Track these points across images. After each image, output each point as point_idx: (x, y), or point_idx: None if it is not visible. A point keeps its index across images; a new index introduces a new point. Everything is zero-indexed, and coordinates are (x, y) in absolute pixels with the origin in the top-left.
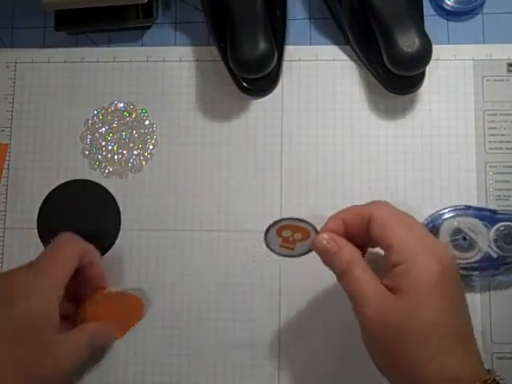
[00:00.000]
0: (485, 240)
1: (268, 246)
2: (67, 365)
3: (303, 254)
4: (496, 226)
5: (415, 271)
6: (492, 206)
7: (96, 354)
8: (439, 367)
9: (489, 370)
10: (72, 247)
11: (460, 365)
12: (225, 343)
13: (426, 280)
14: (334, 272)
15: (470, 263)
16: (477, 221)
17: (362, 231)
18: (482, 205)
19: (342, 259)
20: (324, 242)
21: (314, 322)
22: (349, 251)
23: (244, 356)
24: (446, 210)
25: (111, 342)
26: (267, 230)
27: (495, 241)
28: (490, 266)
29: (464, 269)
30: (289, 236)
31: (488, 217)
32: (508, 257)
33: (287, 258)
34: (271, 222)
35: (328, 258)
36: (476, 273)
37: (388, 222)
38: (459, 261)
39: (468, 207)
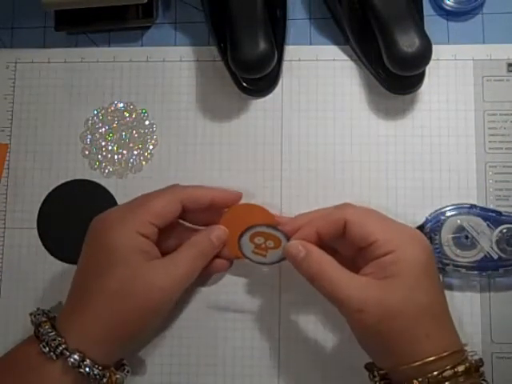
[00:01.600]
0: (487, 240)
1: (240, 250)
2: (160, 287)
3: (275, 263)
4: (500, 228)
5: (406, 258)
6: (492, 206)
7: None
8: (437, 342)
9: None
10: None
11: (452, 338)
12: (224, 343)
13: (417, 266)
14: (307, 277)
15: (470, 262)
16: (481, 220)
17: (335, 237)
18: (484, 205)
19: (311, 263)
20: (292, 248)
21: (314, 321)
22: (318, 254)
23: (244, 356)
24: (450, 208)
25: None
26: (241, 235)
27: (497, 242)
28: (489, 266)
29: (463, 267)
30: (261, 243)
31: (493, 218)
32: (508, 259)
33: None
34: (245, 228)
35: (298, 264)
36: (475, 272)
37: (365, 221)
38: (459, 259)
39: (473, 206)
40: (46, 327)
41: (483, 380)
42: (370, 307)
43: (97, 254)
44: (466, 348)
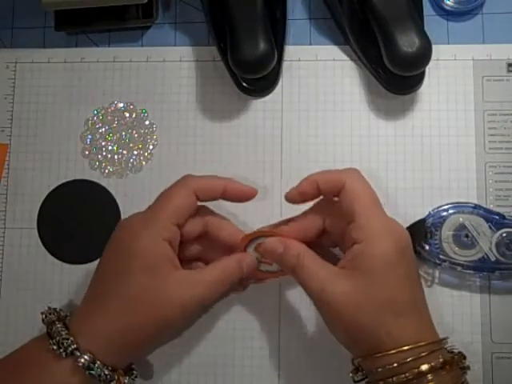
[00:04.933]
0: (487, 242)
1: None
2: (181, 303)
3: (282, 270)
4: (501, 231)
5: (370, 252)
6: (492, 206)
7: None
8: (396, 340)
9: (443, 339)
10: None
11: (416, 334)
12: (224, 343)
13: (380, 260)
14: (287, 270)
15: (467, 261)
16: (483, 221)
17: (331, 196)
18: (484, 205)
19: (289, 256)
20: (270, 244)
21: (314, 321)
22: (296, 247)
23: (244, 356)
24: (454, 205)
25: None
26: (245, 248)
27: (497, 245)
28: (485, 268)
29: (459, 265)
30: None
31: (495, 220)
32: (505, 263)
33: None
34: (247, 240)
35: (277, 258)
36: (470, 272)
37: (357, 198)
38: (456, 256)
39: (478, 207)
40: (59, 326)
41: (464, 373)
42: (336, 299)
43: (119, 259)
44: (445, 343)
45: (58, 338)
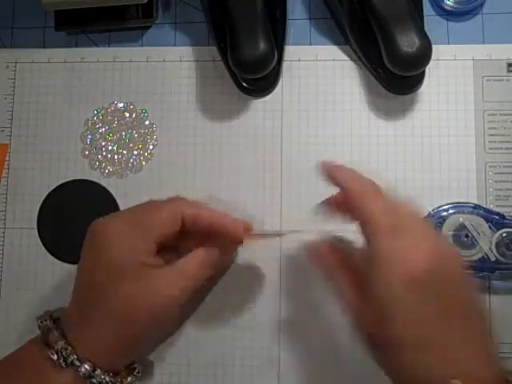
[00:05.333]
0: (487, 242)
1: None
2: (165, 297)
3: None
4: (501, 231)
5: (374, 282)
6: (492, 206)
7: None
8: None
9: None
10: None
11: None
12: (224, 343)
13: (383, 293)
14: None
15: (467, 261)
16: (483, 221)
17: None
18: (484, 205)
19: None
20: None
21: (314, 321)
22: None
23: (244, 356)
24: (454, 205)
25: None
26: None
27: (497, 245)
28: (485, 268)
29: None
30: None
31: (495, 220)
32: (505, 263)
33: (287, 254)
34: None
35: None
36: (470, 272)
37: (376, 227)
38: None
39: (478, 207)
40: (56, 335)
41: None
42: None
43: (98, 269)
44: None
45: (56, 348)
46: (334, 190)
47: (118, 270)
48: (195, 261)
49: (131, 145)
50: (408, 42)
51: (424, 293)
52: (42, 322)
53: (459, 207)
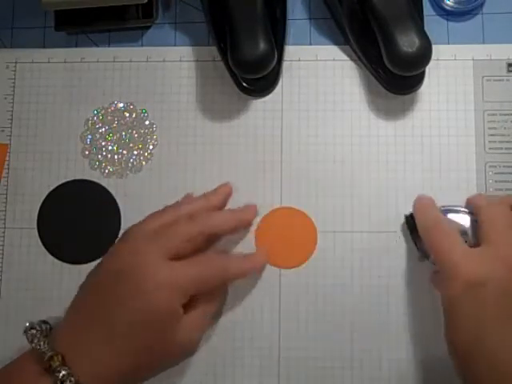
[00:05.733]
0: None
1: None
2: (188, 344)
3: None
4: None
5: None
6: None
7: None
8: None
9: None
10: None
11: None
12: (225, 343)
13: (447, 301)
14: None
15: None
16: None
17: None
18: None
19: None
20: None
21: (314, 321)
22: None
23: (244, 355)
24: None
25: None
26: None
27: None
28: None
29: None
30: None
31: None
32: None
33: None
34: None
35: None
36: None
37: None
38: None
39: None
40: (57, 363)
41: None
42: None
43: (126, 296)
44: None
45: (53, 372)
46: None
47: (152, 315)
48: (205, 312)
49: (131, 145)
50: (408, 42)
51: (473, 298)
52: (32, 339)
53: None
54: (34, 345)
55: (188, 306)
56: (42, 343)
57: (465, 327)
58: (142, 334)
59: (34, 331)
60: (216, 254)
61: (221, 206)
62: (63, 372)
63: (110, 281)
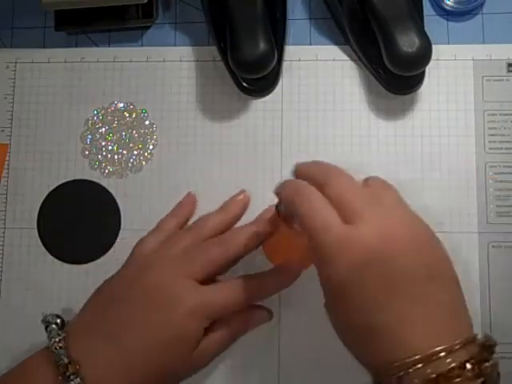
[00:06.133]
0: None
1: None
2: (201, 365)
3: None
4: None
5: (322, 276)
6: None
7: None
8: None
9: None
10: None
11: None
12: None
13: (331, 285)
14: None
15: None
16: None
17: None
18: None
19: None
20: None
21: (314, 321)
22: None
23: (244, 355)
24: None
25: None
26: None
27: None
28: None
29: None
30: None
31: None
32: None
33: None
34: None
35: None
36: None
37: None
38: None
39: None
40: (71, 371)
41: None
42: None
43: (151, 317)
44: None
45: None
46: None
47: (176, 339)
48: (221, 336)
49: (131, 145)
50: (408, 42)
51: (373, 273)
52: (56, 349)
53: None
54: (50, 345)
55: (208, 328)
56: (57, 346)
57: (358, 310)
58: (159, 354)
59: (53, 326)
60: (242, 279)
61: (239, 217)
62: (78, 380)
63: (139, 299)
